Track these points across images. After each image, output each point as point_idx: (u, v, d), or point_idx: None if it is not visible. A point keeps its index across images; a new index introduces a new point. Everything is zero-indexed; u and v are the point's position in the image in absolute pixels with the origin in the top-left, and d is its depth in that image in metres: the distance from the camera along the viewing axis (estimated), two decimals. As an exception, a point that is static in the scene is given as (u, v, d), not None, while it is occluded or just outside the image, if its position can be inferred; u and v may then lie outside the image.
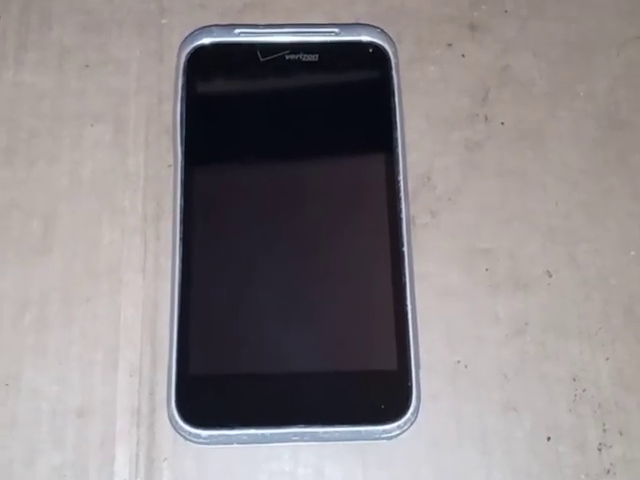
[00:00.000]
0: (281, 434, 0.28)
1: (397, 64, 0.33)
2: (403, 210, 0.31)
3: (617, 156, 0.33)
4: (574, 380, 0.31)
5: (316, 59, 0.33)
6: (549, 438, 0.30)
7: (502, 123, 0.34)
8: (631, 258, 0.32)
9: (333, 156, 0.32)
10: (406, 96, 0.33)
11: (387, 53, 0.33)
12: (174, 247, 0.31)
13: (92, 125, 0.33)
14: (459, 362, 0.31)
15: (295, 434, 0.28)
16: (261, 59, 0.33)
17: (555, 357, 0.31)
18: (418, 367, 0.29)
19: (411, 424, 0.29)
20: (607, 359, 0.31)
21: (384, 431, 0.28)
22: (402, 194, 0.31)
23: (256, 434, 0.28)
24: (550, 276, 0.32)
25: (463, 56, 0.35)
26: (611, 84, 0.34)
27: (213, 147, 0.32)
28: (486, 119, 0.34)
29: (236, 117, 0.33)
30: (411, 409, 0.29)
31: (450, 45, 0.35)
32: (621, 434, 0.30)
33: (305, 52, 0.33)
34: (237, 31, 0.33)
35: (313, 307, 0.30)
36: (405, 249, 0.31)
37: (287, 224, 0.31)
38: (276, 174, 0.32)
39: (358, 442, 0.29)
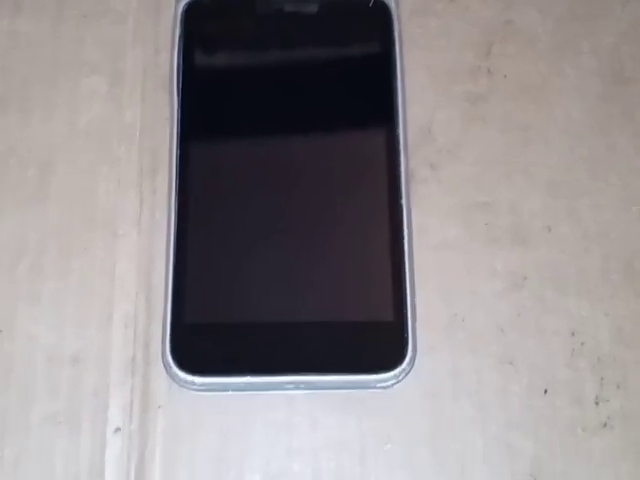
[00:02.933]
0: (276, 382, 0.28)
1: (398, 17, 0.33)
2: (402, 163, 0.31)
3: (621, 112, 0.33)
4: (572, 334, 0.30)
5: (315, 12, 0.33)
6: (546, 391, 0.30)
7: (505, 76, 0.33)
8: (633, 213, 0.32)
9: (334, 111, 0.32)
10: (408, 50, 0.33)
11: (388, 6, 0.33)
12: (170, 201, 0.30)
13: (88, 76, 0.33)
14: (456, 315, 0.30)
15: (290, 382, 0.28)
16: (259, 11, 0.33)
17: (553, 311, 0.30)
18: (415, 319, 0.29)
19: (406, 374, 0.29)
20: (606, 314, 0.31)
21: (379, 380, 0.28)
22: (402, 147, 0.31)
23: (251, 382, 0.28)
24: (550, 231, 0.31)
25: (466, 9, 0.34)
26: (616, 40, 0.34)
27: (210, 100, 0.32)
28: (489, 72, 0.33)
29: (234, 71, 0.32)
30: (407, 359, 0.28)
31: (452, -2, 0.34)
32: (619, 387, 0.30)
33: (304, 4, 0.33)
34: None
35: (310, 258, 0.30)
36: (404, 202, 0.30)
37: (286, 176, 0.31)
38: (275, 127, 0.32)
39: (353, 391, 0.29)
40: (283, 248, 0.30)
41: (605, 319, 0.30)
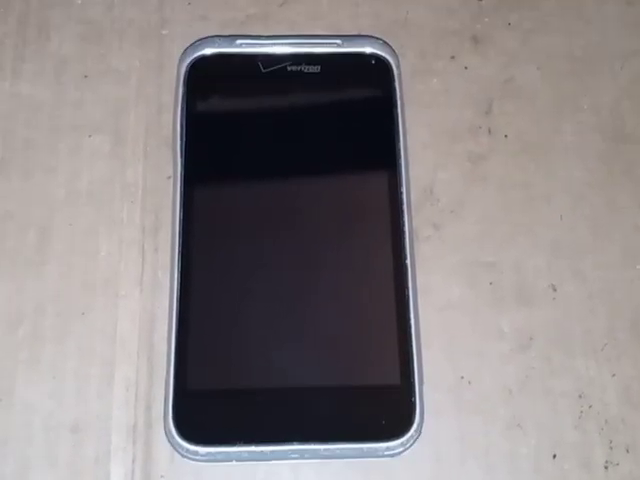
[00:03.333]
0: (281, 451, 0.28)
1: (399, 76, 0.33)
2: (406, 223, 0.31)
3: (622, 169, 0.33)
4: (580, 396, 0.30)
5: (318, 70, 0.33)
6: (555, 455, 0.29)
7: (505, 136, 0.33)
8: (636, 272, 0.32)
9: (335, 169, 0.32)
10: (409, 108, 0.33)
11: (390, 65, 0.33)
12: (173, 260, 0.30)
13: (90, 136, 0.33)
14: (463, 378, 0.30)
15: (295, 451, 0.28)
16: (263, 70, 0.33)
17: (560, 373, 0.30)
18: (421, 382, 0.29)
19: (414, 441, 0.28)
20: (613, 375, 0.30)
21: (387, 448, 0.28)
22: (405, 207, 0.31)
23: (255, 451, 0.27)
24: (555, 290, 0.31)
25: (466, 68, 0.34)
26: (615, 97, 0.34)
27: (213, 159, 0.32)
28: (489, 132, 0.33)
29: (237, 129, 0.32)
30: (414, 426, 0.28)
31: (453, 58, 0.35)
32: (628, 451, 0.29)
33: (307, 63, 0.33)
34: (239, 42, 0.33)
35: (315, 321, 0.29)
36: (408, 262, 0.30)
37: (288, 238, 0.31)
38: (277, 188, 0.32)
39: (360, 460, 0.28)
40: (288, 311, 0.29)
41: (612, 380, 0.30)
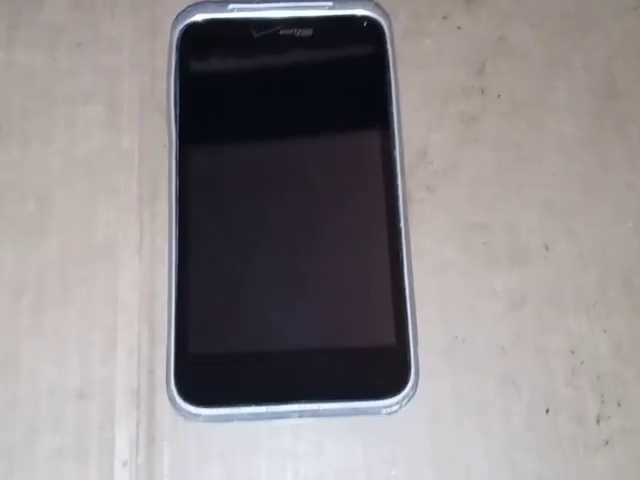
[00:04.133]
0: (281, 411, 0.28)
1: (392, 37, 0.33)
2: (399, 186, 0.31)
3: (614, 127, 0.33)
4: (572, 353, 0.31)
5: (310, 34, 0.33)
6: (547, 410, 0.30)
7: (498, 96, 0.34)
8: (628, 230, 0.32)
9: (329, 131, 0.32)
10: (401, 70, 0.33)
11: (382, 27, 0.33)
12: (170, 227, 0.31)
13: (85, 104, 0.33)
14: (457, 337, 0.31)
15: (295, 411, 0.28)
16: (255, 35, 0.33)
17: (553, 330, 0.31)
18: (416, 342, 0.29)
19: (410, 399, 0.29)
20: (605, 331, 0.31)
21: (383, 406, 0.28)
22: (398, 170, 0.31)
23: (256, 411, 0.28)
24: (547, 249, 0.32)
25: (459, 28, 0.34)
26: (608, 55, 0.34)
27: (208, 125, 0.32)
28: (482, 92, 0.34)
29: (231, 94, 0.32)
30: (410, 384, 0.29)
31: (445, 18, 0.35)
32: (619, 405, 0.30)
33: (299, 27, 0.33)
34: (230, 7, 0.33)
35: (310, 285, 0.30)
36: (402, 225, 0.30)
37: (284, 202, 0.31)
38: (272, 151, 0.32)
39: (357, 417, 0.29)
40: (285, 275, 0.30)
41: (604, 336, 0.31)
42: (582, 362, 0.31)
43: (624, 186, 0.33)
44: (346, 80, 0.33)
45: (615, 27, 0.35)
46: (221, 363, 0.29)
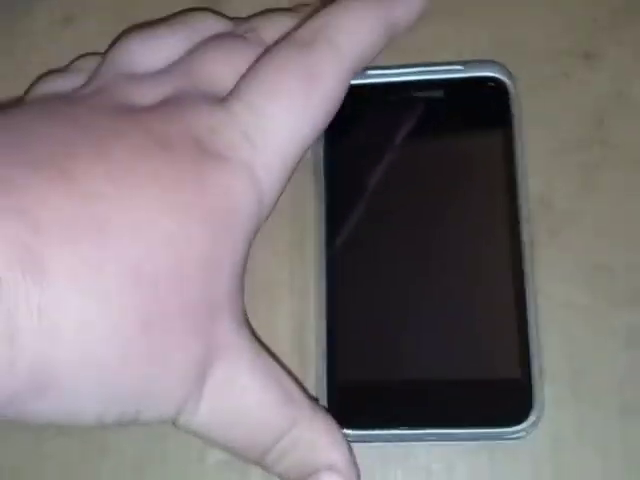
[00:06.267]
0: (418, 434, 0.32)
1: (516, 95, 0.36)
2: (524, 231, 0.34)
3: None
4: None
5: (442, 96, 0.36)
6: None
7: (617, 146, 0.36)
8: None
9: (457, 186, 0.36)
10: (525, 125, 0.36)
11: (507, 86, 0.36)
12: (319, 268, 0.35)
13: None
14: (577, 371, 0.33)
15: (431, 434, 0.32)
16: (390, 97, 0.37)
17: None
18: (541, 374, 0.32)
19: (535, 426, 0.32)
20: None
21: (511, 432, 0.31)
22: (523, 216, 0.34)
23: (397, 434, 0.32)
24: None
25: (579, 84, 0.37)
26: None
27: (351, 180, 0.36)
28: (602, 143, 0.36)
29: (369, 153, 0.36)
30: (535, 413, 0.31)
31: (566, 74, 0.37)
32: None
33: (430, 89, 0.37)
34: (369, 72, 0.36)
35: (445, 320, 0.34)
36: (527, 267, 0.33)
37: (420, 249, 0.35)
38: (407, 203, 0.36)
39: (487, 442, 0.32)
40: (421, 311, 0.34)
41: None
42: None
43: None
44: (474, 136, 0.36)
45: None
46: (367, 390, 0.33)
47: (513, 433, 0.31)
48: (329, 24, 0.33)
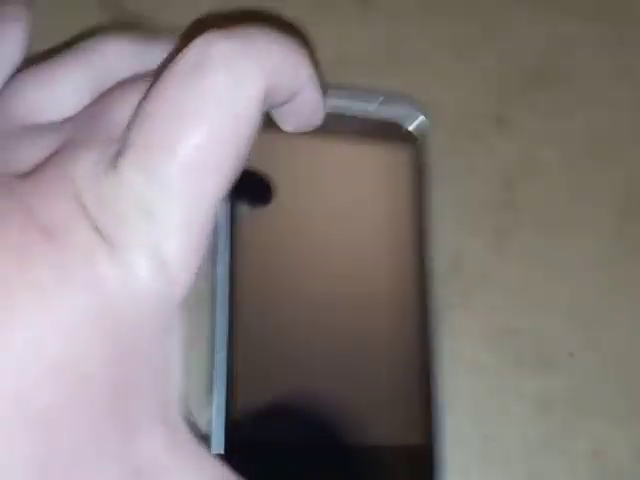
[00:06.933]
0: None
1: (428, 152, 0.36)
2: (434, 291, 0.33)
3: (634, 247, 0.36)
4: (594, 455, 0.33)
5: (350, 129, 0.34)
6: (572, 511, 0.32)
7: (526, 210, 0.37)
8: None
9: (361, 238, 0.34)
10: (436, 184, 0.36)
11: (420, 139, 0.35)
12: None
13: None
14: (487, 436, 0.33)
15: None
16: None
17: (576, 433, 0.33)
18: (444, 441, 0.31)
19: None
20: (626, 436, 0.33)
21: None
22: (433, 277, 0.34)
23: None
24: (572, 357, 0.34)
25: (490, 147, 0.38)
26: (627, 176, 0.37)
27: None
28: (511, 206, 0.37)
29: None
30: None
31: (478, 137, 0.38)
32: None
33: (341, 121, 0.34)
34: None
35: (346, 385, 0.32)
36: (434, 328, 0.33)
37: (326, 310, 0.33)
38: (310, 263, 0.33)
39: None
40: (320, 376, 0.32)
41: (625, 440, 0.33)
42: (603, 465, 0.33)
43: (642, 302, 0.35)
44: (379, 188, 0.34)
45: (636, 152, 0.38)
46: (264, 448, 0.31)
47: None
48: None
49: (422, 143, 0.35)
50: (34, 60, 0.29)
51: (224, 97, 0.23)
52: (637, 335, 0.35)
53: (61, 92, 0.28)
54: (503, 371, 0.34)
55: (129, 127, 0.24)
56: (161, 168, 0.23)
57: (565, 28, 0.39)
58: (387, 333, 0.33)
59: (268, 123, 0.26)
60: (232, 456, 0.30)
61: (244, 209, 0.33)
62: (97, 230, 0.23)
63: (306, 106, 0.27)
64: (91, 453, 0.22)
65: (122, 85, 0.27)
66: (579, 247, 0.36)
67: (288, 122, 0.28)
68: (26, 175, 0.24)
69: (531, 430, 0.33)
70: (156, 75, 0.25)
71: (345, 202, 0.34)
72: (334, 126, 0.33)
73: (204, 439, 0.30)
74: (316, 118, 0.28)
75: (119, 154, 0.24)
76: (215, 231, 0.29)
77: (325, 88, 0.27)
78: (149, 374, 0.24)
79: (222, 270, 0.31)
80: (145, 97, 0.24)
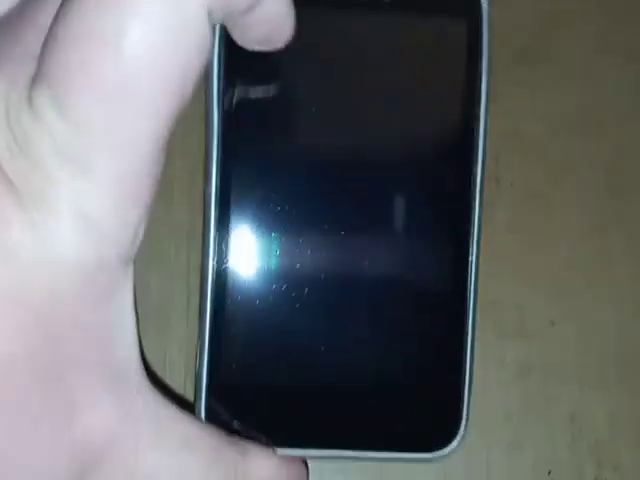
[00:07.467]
0: (329, 455, 0.29)
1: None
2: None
3: (615, 221, 0.37)
4: (572, 420, 0.34)
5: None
6: (549, 472, 0.33)
7: (511, 184, 0.37)
8: (626, 314, 0.36)
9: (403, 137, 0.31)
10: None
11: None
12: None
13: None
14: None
15: (341, 456, 0.29)
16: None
17: (556, 399, 0.34)
18: (469, 403, 0.31)
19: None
20: (602, 401, 0.34)
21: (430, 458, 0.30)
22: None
23: (311, 454, 0.29)
24: (553, 325, 0.35)
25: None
26: (611, 154, 0.38)
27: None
28: (497, 181, 0.37)
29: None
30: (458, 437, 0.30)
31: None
32: (615, 470, 0.33)
33: None
34: None
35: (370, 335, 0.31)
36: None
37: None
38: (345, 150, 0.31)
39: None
40: (339, 325, 0.30)
41: (601, 406, 0.34)
42: (581, 429, 0.34)
43: (623, 275, 0.36)
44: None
45: (619, 128, 0.38)
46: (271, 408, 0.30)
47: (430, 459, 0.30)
48: None
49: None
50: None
51: (155, 9, 0.17)
52: (617, 305, 0.36)
53: None
54: (485, 338, 0.35)
55: (44, 47, 0.18)
56: (77, 102, 0.18)
57: (550, 4, 0.39)
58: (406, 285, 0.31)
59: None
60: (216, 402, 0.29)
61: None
62: (8, 183, 0.18)
63: (268, 18, 0.21)
64: (23, 441, 0.20)
65: None
66: (562, 220, 0.37)
67: (247, 38, 0.22)
68: None
69: (511, 396, 0.34)
70: None
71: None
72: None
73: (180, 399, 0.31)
74: (282, 33, 0.22)
75: (34, 82, 0.18)
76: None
77: None
78: (86, 345, 0.20)
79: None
80: (61, 10, 0.18)
